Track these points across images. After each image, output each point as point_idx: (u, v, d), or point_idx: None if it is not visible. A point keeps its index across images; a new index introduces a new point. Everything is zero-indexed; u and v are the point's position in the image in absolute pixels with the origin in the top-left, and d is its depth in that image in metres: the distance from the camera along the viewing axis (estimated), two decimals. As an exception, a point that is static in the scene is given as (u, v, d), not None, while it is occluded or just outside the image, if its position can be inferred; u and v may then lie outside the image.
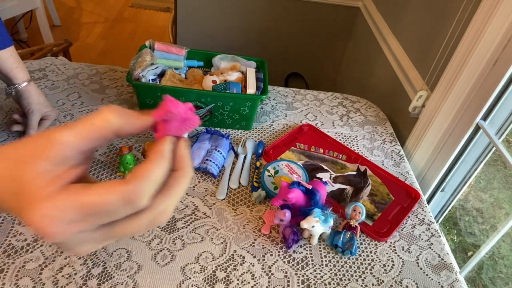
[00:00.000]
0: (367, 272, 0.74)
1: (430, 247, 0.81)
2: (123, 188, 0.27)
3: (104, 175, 0.85)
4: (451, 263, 0.78)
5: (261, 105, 1.15)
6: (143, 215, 0.29)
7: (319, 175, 0.93)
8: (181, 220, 0.78)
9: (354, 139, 1.08)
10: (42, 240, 0.70)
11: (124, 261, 0.69)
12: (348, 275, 0.73)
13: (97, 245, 0.30)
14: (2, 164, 0.28)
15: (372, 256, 0.77)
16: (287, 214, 0.74)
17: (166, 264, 0.70)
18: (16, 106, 0.95)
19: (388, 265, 0.76)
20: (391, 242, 0.81)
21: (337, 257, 0.76)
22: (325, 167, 0.96)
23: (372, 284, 0.72)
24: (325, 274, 0.73)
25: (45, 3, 2.78)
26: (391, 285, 0.73)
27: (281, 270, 0.72)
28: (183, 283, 0.67)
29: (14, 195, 0.28)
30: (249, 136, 1.03)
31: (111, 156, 0.89)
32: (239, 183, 0.88)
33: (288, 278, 0.71)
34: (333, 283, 0.71)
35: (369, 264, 0.76)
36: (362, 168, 0.97)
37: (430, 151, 1.05)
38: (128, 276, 0.67)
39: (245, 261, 0.72)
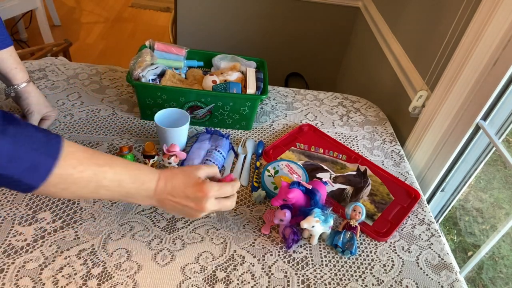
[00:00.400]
0: (367, 272, 0.74)
1: (430, 247, 0.81)
2: (232, 185, 0.66)
3: (104, 175, 0.84)
4: (451, 263, 0.78)
5: (261, 105, 1.15)
6: (232, 197, 0.67)
7: (319, 175, 0.93)
8: (181, 220, 0.78)
9: (354, 139, 1.08)
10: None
11: (124, 261, 0.69)
12: (348, 275, 0.73)
13: (213, 208, 0.64)
14: (176, 171, 0.65)
15: (372, 256, 0.77)
16: (287, 214, 0.74)
17: (166, 264, 0.70)
18: (16, 106, 0.95)
19: (388, 265, 0.76)
20: (391, 242, 0.81)
21: (337, 257, 0.76)
22: (325, 167, 0.96)
23: (372, 284, 0.72)
24: (325, 274, 0.73)
25: (45, 3, 2.78)
26: (391, 285, 0.73)
27: (281, 270, 0.72)
28: (183, 283, 0.67)
29: (185, 181, 0.63)
30: (249, 136, 1.03)
31: (111, 156, 0.89)
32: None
33: (288, 278, 0.71)
34: (333, 283, 0.71)
35: (369, 264, 0.76)
36: (362, 168, 0.97)
37: (430, 151, 1.05)
38: (128, 276, 0.67)
39: (245, 261, 0.72)
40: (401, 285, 0.73)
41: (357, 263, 0.76)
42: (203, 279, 0.68)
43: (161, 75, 1.01)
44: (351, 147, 1.05)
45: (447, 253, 0.80)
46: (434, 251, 0.80)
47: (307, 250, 0.76)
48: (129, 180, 0.59)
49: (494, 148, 0.95)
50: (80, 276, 0.66)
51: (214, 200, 0.63)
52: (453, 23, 0.98)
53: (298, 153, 0.99)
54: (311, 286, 0.70)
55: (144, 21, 3.28)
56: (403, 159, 1.04)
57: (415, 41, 1.20)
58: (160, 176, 0.62)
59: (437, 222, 1.09)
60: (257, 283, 0.69)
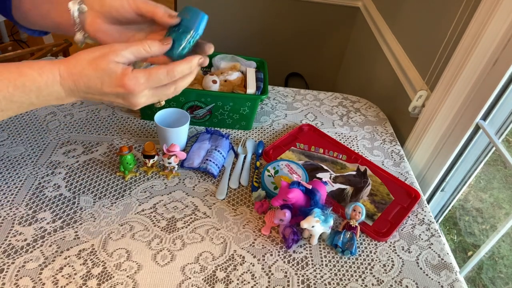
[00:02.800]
0: (367, 272, 0.74)
1: (430, 247, 0.81)
2: (167, 68, 0.52)
3: (104, 174, 0.85)
4: (451, 263, 0.78)
5: (261, 105, 1.15)
6: (172, 85, 0.55)
7: (319, 175, 0.93)
8: (181, 220, 0.78)
9: (354, 139, 1.08)
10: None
11: (124, 261, 0.69)
12: (348, 275, 0.73)
13: (148, 101, 0.54)
14: (86, 64, 0.50)
15: (372, 256, 0.77)
16: (287, 214, 0.74)
17: (166, 264, 0.70)
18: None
19: (388, 265, 0.76)
20: (391, 242, 0.81)
21: (337, 257, 0.76)
22: (325, 167, 0.96)
23: (372, 284, 0.72)
24: (325, 274, 0.73)
25: (45, 3, 2.78)
26: (391, 285, 0.73)
27: (281, 270, 0.72)
28: (183, 283, 0.67)
29: (99, 78, 0.50)
30: (249, 136, 1.03)
31: (111, 156, 0.89)
32: (239, 183, 0.88)
33: (288, 278, 0.71)
34: (333, 283, 0.71)
35: (369, 264, 0.76)
36: (362, 168, 0.97)
37: (430, 151, 1.05)
38: (128, 276, 0.67)
39: (245, 261, 0.72)
40: (401, 285, 0.73)
41: (357, 263, 0.76)
42: (203, 279, 0.68)
43: (161, 75, 1.01)
44: (351, 147, 1.05)
45: (447, 253, 0.80)
46: (434, 251, 0.80)
47: (307, 250, 0.76)
48: (18, 93, 0.49)
49: (494, 148, 0.95)
50: (80, 276, 0.66)
51: (148, 92, 0.53)
52: (453, 23, 0.98)
53: (298, 153, 0.99)
54: (311, 286, 0.70)
55: (144, 21, 3.28)
56: (403, 159, 1.04)
57: (415, 41, 1.20)
58: (62, 74, 0.50)
59: (437, 222, 1.09)
60: (257, 283, 0.69)
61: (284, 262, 0.74)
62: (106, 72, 0.50)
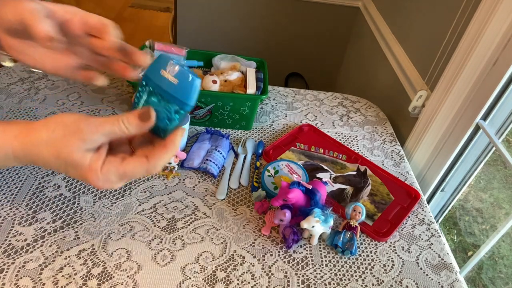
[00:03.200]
0: (367, 272, 0.74)
1: (430, 247, 0.81)
2: (147, 165, 0.43)
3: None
4: (451, 263, 0.78)
5: (261, 105, 1.15)
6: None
7: (319, 175, 0.93)
8: (181, 220, 0.78)
9: (354, 139, 1.08)
10: (42, 241, 0.70)
11: (124, 261, 0.69)
12: (348, 275, 0.73)
13: (118, 185, 0.45)
14: (45, 149, 0.41)
15: (372, 256, 0.77)
16: (287, 214, 0.74)
17: (166, 264, 0.70)
18: (19, 108, 0.95)
19: (388, 265, 0.76)
20: (391, 242, 0.81)
21: (337, 257, 0.76)
22: (325, 167, 0.96)
23: (372, 284, 0.72)
24: (325, 274, 0.73)
25: (45, 3, 2.78)
26: (391, 285, 0.73)
27: (281, 270, 0.72)
28: (183, 283, 0.67)
29: (62, 166, 0.42)
30: (249, 136, 1.03)
31: (111, 156, 0.89)
32: (239, 183, 0.88)
33: (288, 278, 0.71)
34: (333, 283, 0.71)
35: (369, 264, 0.76)
36: (362, 168, 0.97)
37: (430, 151, 1.05)
38: (128, 276, 0.67)
39: (245, 261, 0.72)
40: (401, 285, 0.73)
41: (357, 263, 0.76)
42: (203, 279, 0.68)
43: (161, 75, 1.01)
44: (351, 147, 1.05)
45: (447, 253, 0.80)
46: (434, 251, 0.80)
47: (307, 250, 0.76)
48: None
49: (494, 148, 0.95)
50: (80, 276, 0.66)
51: (119, 181, 0.44)
52: (453, 23, 0.98)
53: (298, 153, 0.99)
54: (311, 286, 0.70)
55: (144, 21, 3.28)
56: (403, 159, 1.04)
57: (415, 41, 1.20)
58: (15, 153, 0.42)
59: (437, 222, 1.09)
60: (257, 283, 0.69)
61: (284, 262, 0.74)
62: (70, 164, 0.42)
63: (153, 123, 0.44)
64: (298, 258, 0.75)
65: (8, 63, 0.49)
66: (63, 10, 0.46)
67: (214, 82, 0.97)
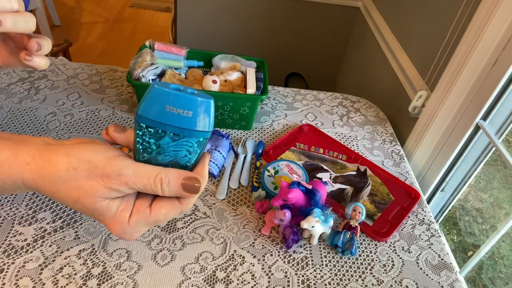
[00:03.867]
0: (367, 272, 0.74)
1: (430, 247, 0.81)
2: (181, 208, 0.39)
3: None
4: (451, 263, 0.78)
5: (261, 105, 1.15)
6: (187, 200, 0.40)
7: (319, 175, 0.93)
8: (181, 220, 0.78)
9: (354, 139, 1.08)
10: (42, 241, 0.70)
11: (124, 261, 0.69)
12: (348, 275, 0.73)
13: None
14: (62, 188, 0.36)
15: (372, 256, 0.77)
16: (287, 214, 0.74)
17: (166, 264, 0.70)
18: (21, 108, 0.95)
19: (388, 265, 0.76)
20: (391, 242, 0.81)
21: (337, 257, 0.76)
22: (325, 167, 0.96)
23: (372, 284, 0.72)
24: (325, 274, 0.73)
25: (45, 3, 2.78)
26: (391, 285, 0.73)
27: (281, 270, 0.72)
28: (183, 283, 0.67)
29: (82, 209, 0.37)
30: (249, 136, 1.03)
31: (111, 156, 0.89)
32: (239, 183, 0.88)
33: (288, 278, 0.71)
34: (333, 283, 0.71)
35: (369, 264, 0.76)
36: (362, 168, 0.97)
37: (430, 151, 1.05)
38: (128, 276, 0.67)
39: (245, 261, 0.72)
40: (401, 285, 0.73)
41: (357, 263, 0.76)
42: (203, 279, 0.68)
43: (161, 75, 1.01)
44: (351, 147, 1.05)
45: (447, 253, 0.80)
46: (434, 251, 0.80)
47: (307, 250, 0.76)
48: None
49: (494, 148, 0.95)
50: (80, 276, 0.66)
51: (145, 228, 0.39)
52: (453, 23, 0.98)
53: (298, 153, 0.99)
54: (311, 286, 0.70)
55: (144, 21, 3.28)
56: (403, 159, 1.04)
57: (415, 41, 1.20)
58: (26, 183, 0.37)
59: (437, 222, 1.09)
60: (257, 283, 0.69)
61: (284, 262, 0.74)
62: (91, 210, 0.37)
63: (198, 190, 0.38)
64: (298, 258, 0.75)
65: None
66: None
67: (214, 82, 0.97)
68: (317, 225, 0.72)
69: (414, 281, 0.74)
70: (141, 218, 0.38)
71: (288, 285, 0.70)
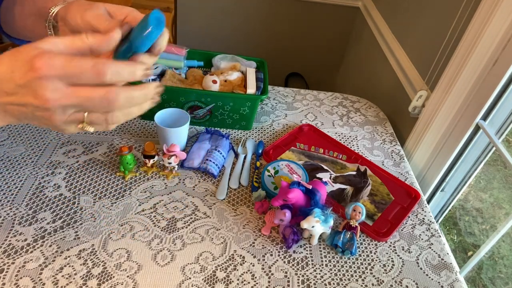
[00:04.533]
0: (367, 272, 0.74)
1: (430, 247, 0.81)
2: (96, 59, 0.38)
3: (104, 174, 0.85)
4: (451, 263, 0.78)
5: (261, 105, 1.15)
6: (101, 91, 0.39)
7: (319, 175, 0.93)
8: (181, 220, 0.78)
9: (354, 139, 1.08)
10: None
11: (124, 261, 0.69)
12: (348, 275, 0.73)
13: (64, 101, 0.38)
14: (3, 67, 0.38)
15: (372, 256, 0.77)
16: (287, 214, 0.74)
17: (166, 264, 0.70)
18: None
19: (388, 265, 0.76)
20: (391, 242, 0.81)
21: (337, 257, 0.76)
22: (325, 167, 0.96)
23: (372, 284, 0.72)
24: (325, 274, 0.73)
25: (45, 3, 2.78)
26: (391, 285, 0.73)
27: (281, 270, 0.72)
28: (183, 283, 0.67)
29: (11, 63, 0.38)
30: (249, 136, 1.03)
31: (111, 156, 0.89)
32: (239, 183, 0.88)
33: (288, 278, 0.71)
34: (333, 283, 0.71)
35: (369, 264, 0.76)
36: (362, 168, 0.97)
37: (430, 151, 1.05)
38: (128, 276, 0.67)
39: (245, 261, 0.72)
40: (401, 285, 0.73)
41: (357, 263, 0.76)
42: (203, 279, 0.68)
43: (161, 75, 1.01)
44: (351, 147, 1.05)
45: (447, 253, 0.80)
46: (434, 251, 0.80)
47: (307, 250, 0.76)
48: None
49: (494, 148, 0.95)
50: (80, 276, 0.66)
51: (60, 84, 0.37)
52: (453, 23, 0.98)
53: (298, 153, 0.99)
54: (311, 286, 0.70)
55: (144, 21, 3.28)
56: (403, 159, 1.04)
57: (415, 41, 1.20)
58: None
59: (437, 222, 1.09)
60: (257, 283, 0.69)
61: (284, 262, 0.74)
62: (20, 56, 0.38)
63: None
64: (298, 258, 0.75)
65: None
66: (119, 11, 0.49)
67: (214, 82, 0.97)
68: (317, 225, 0.72)
69: (414, 281, 0.74)
70: (55, 54, 0.37)
71: (288, 285, 0.70)
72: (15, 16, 0.60)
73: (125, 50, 0.44)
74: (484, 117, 0.91)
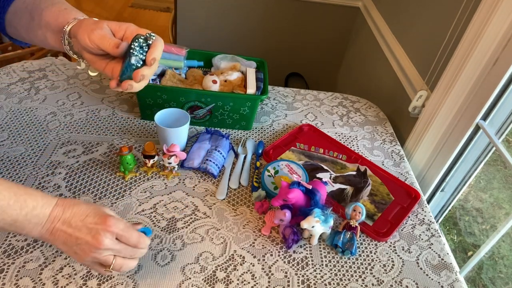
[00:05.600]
0: (367, 272, 0.74)
1: (430, 247, 0.81)
2: (140, 237, 0.60)
3: (104, 175, 0.85)
4: (451, 263, 0.78)
5: (261, 105, 1.15)
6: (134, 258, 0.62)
7: (319, 175, 0.93)
8: (181, 220, 0.78)
9: (354, 139, 1.08)
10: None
11: (124, 261, 0.69)
12: (348, 275, 0.73)
13: (111, 246, 0.57)
14: (78, 202, 0.59)
15: (372, 256, 0.77)
16: (287, 214, 0.74)
17: (166, 264, 0.70)
18: (20, 108, 0.95)
19: (388, 265, 0.76)
20: (391, 242, 0.81)
21: (337, 257, 0.76)
22: (325, 167, 0.96)
23: (372, 284, 0.72)
24: (325, 274, 0.73)
25: (45, 3, 2.78)
26: (391, 285, 0.73)
27: (281, 270, 0.72)
28: (183, 283, 0.67)
29: (85, 211, 0.57)
30: (249, 136, 1.03)
31: (111, 156, 0.89)
32: (239, 183, 0.88)
33: (288, 278, 0.71)
34: (333, 283, 0.71)
35: (369, 264, 0.76)
36: (362, 168, 0.97)
37: (430, 151, 1.05)
38: (128, 276, 0.67)
39: (245, 261, 0.72)
40: (401, 285, 0.73)
41: (357, 263, 0.76)
42: (203, 279, 0.68)
43: (161, 75, 1.01)
44: (351, 147, 1.05)
45: (447, 253, 0.80)
46: (434, 251, 0.80)
47: (307, 250, 0.76)
48: (16, 206, 0.52)
49: (494, 148, 0.95)
50: (80, 276, 0.66)
51: (115, 240, 0.57)
52: (453, 23, 0.98)
53: (298, 153, 0.99)
54: (311, 286, 0.70)
55: (144, 21, 3.29)
56: (403, 159, 1.04)
57: (415, 41, 1.20)
58: (58, 202, 0.56)
59: (437, 222, 1.09)
60: (257, 283, 0.69)
61: (284, 262, 0.74)
62: (96, 209, 0.57)
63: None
64: (298, 258, 0.75)
65: (83, 67, 0.67)
66: (119, 27, 0.59)
67: (214, 82, 0.97)
68: (317, 225, 0.72)
69: (414, 281, 0.74)
70: (119, 221, 0.59)
71: (288, 285, 0.70)
72: (23, 25, 0.65)
73: (126, 69, 0.57)
74: (484, 117, 0.91)
